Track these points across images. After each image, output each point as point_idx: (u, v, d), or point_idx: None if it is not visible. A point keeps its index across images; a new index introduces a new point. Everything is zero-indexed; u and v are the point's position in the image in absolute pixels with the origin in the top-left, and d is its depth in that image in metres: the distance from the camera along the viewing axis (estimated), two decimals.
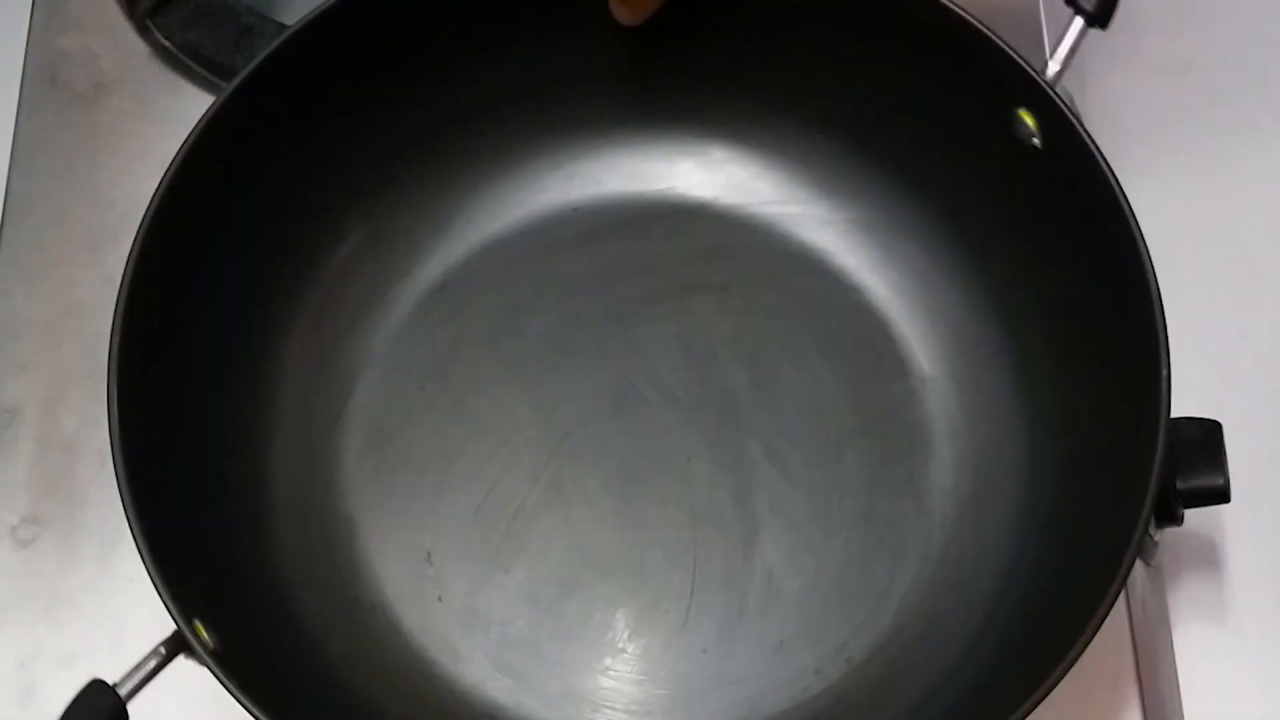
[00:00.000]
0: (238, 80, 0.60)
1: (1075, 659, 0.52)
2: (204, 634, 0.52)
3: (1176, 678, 0.64)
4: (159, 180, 0.58)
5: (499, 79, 0.68)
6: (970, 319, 0.67)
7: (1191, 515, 0.58)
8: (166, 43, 0.71)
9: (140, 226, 0.57)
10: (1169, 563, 0.65)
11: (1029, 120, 0.61)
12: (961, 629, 0.62)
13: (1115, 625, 0.62)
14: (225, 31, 0.68)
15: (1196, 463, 0.58)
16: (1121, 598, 0.62)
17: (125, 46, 0.73)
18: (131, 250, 0.57)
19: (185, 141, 0.58)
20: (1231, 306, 0.72)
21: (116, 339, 0.56)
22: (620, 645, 0.63)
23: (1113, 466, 0.58)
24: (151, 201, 0.57)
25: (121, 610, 0.65)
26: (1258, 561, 0.65)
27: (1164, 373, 0.55)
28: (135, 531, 0.53)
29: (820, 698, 0.62)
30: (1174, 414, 0.55)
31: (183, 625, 0.51)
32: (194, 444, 0.60)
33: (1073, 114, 0.59)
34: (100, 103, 0.74)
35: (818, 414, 0.67)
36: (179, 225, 0.59)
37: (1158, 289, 0.56)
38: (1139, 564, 0.63)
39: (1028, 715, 0.52)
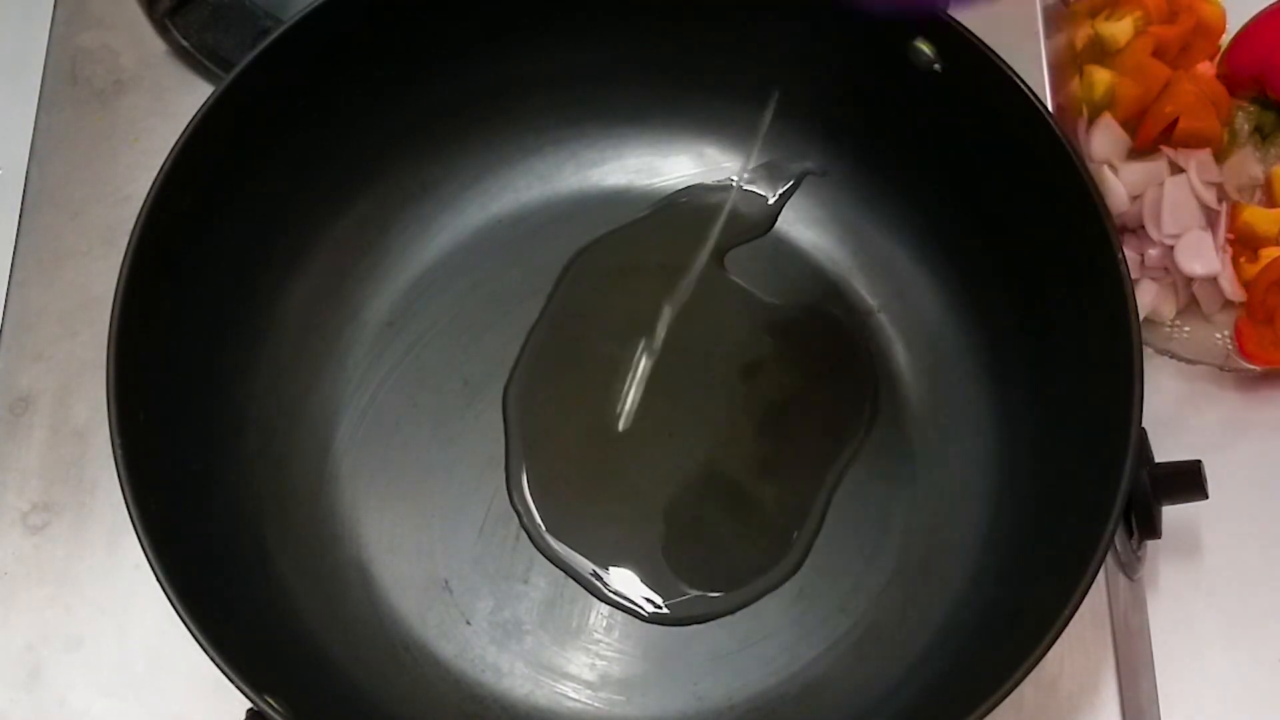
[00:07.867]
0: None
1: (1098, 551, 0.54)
2: (276, 705, 0.52)
3: (1156, 690, 0.66)
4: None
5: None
6: (898, 250, 0.70)
7: (1172, 533, 0.58)
8: (184, 42, 0.71)
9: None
10: (1149, 578, 0.67)
11: (926, 48, 0.63)
12: (967, 541, 0.64)
13: (1097, 638, 0.64)
14: (242, 32, 0.68)
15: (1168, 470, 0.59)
16: (1105, 614, 0.64)
17: (144, 45, 0.74)
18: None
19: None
20: None
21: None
22: (651, 626, 0.64)
23: (1077, 361, 0.61)
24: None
25: (127, 596, 0.65)
26: (1235, 577, 0.67)
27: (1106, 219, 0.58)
28: (196, 634, 0.53)
29: (852, 631, 0.64)
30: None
31: (258, 702, 0.52)
32: (200, 522, 0.60)
33: (964, 29, 0.62)
34: (118, 100, 0.75)
35: (775, 363, 0.69)
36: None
37: (1088, 173, 0.59)
38: (1121, 579, 0.65)
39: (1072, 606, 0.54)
